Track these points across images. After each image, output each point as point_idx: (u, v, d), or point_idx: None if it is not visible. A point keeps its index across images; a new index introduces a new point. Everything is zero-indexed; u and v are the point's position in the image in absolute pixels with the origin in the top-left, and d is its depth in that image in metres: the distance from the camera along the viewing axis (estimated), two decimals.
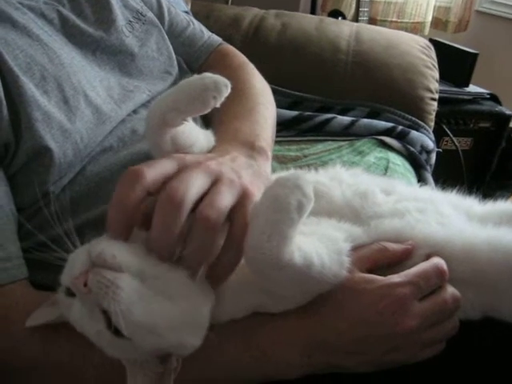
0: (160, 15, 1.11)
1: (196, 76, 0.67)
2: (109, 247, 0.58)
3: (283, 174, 0.61)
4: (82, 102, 0.82)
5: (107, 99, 0.87)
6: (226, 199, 0.61)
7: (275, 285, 0.63)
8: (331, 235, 0.68)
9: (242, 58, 1.20)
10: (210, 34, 1.23)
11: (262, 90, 1.06)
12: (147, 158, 0.83)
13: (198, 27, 1.22)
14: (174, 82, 1.02)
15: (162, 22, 1.11)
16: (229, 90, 0.66)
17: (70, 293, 0.59)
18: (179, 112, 0.66)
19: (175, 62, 1.05)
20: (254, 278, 0.62)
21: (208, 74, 0.66)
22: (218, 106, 0.66)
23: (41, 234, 0.78)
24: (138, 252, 0.59)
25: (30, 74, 0.78)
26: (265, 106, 0.99)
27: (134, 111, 0.90)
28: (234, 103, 0.91)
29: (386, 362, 0.69)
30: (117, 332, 0.56)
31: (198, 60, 1.17)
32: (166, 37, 1.07)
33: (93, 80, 0.87)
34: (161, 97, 0.68)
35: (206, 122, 1.00)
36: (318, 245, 0.64)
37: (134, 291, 0.56)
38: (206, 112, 0.67)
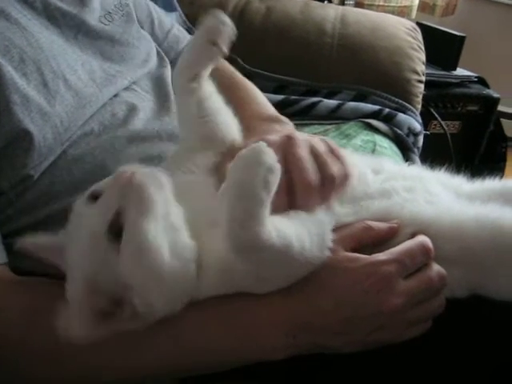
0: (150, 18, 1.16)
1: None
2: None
3: (244, 150, 0.60)
4: (62, 86, 0.81)
5: (89, 83, 0.86)
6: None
7: (257, 267, 0.62)
8: (315, 217, 0.68)
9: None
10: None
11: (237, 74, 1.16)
12: (128, 142, 0.84)
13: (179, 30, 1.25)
14: (150, 72, 1.02)
15: (152, 21, 1.16)
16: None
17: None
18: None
19: (154, 53, 1.05)
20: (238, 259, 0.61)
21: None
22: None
23: (22, 219, 0.77)
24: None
25: (8, 56, 0.77)
26: (250, 85, 1.09)
27: (115, 95, 0.89)
28: (233, 91, 0.99)
29: (371, 342, 0.69)
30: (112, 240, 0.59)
31: None
32: (143, 30, 1.08)
33: (74, 63, 0.86)
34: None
35: None
36: (298, 227, 0.64)
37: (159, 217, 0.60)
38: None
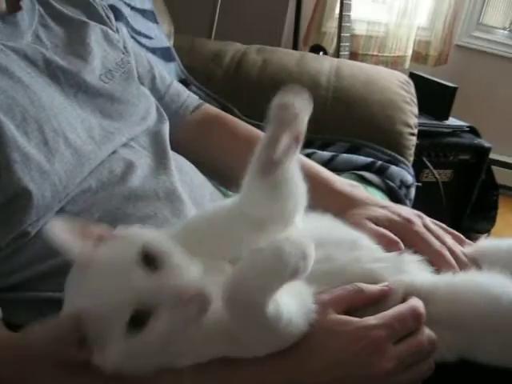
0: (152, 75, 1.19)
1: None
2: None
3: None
4: (62, 144, 0.82)
5: (88, 140, 0.87)
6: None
7: (241, 327, 0.62)
8: (300, 287, 0.68)
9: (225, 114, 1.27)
10: (188, 92, 1.28)
11: None
12: (125, 200, 0.84)
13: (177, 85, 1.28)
14: (148, 128, 1.03)
15: (154, 76, 1.18)
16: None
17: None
18: None
19: (153, 110, 1.07)
20: (224, 322, 0.62)
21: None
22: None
23: (19, 274, 0.78)
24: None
25: (10, 114, 0.78)
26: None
27: (113, 152, 0.91)
28: None
29: None
30: None
31: (180, 117, 1.21)
32: (143, 86, 1.10)
33: (74, 121, 0.87)
34: None
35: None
36: (288, 299, 0.64)
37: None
38: None
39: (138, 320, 0.59)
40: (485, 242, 0.88)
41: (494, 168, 2.68)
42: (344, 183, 1.00)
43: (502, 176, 2.90)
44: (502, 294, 0.72)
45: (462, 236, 0.88)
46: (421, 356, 0.71)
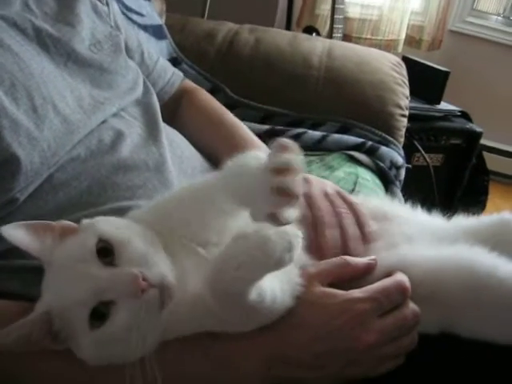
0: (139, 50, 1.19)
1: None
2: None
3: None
4: (51, 112, 0.82)
5: (77, 109, 0.87)
6: None
7: (224, 310, 0.63)
8: None
9: (199, 89, 1.29)
10: (174, 68, 1.29)
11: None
12: (114, 170, 0.84)
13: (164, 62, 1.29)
14: (138, 99, 1.04)
15: (142, 51, 1.18)
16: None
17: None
18: None
19: (140, 82, 1.07)
20: (207, 302, 0.62)
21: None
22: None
23: (5, 242, 0.78)
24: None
25: None
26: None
27: (103, 121, 0.91)
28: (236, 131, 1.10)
29: (346, 376, 0.70)
30: None
31: (166, 93, 1.23)
32: (130, 60, 1.10)
33: (63, 90, 0.87)
34: None
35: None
36: (272, 279, 0.63)
37: None
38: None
39: (101, 312, 0.60)
40: (468, 219, 0.87)
41: (485, 154, 2.69)
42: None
43: (492, 162, 2.90)
44: (482, 268, 0.73)
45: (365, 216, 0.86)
46: (405, 330, 0.71)
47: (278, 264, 0.59)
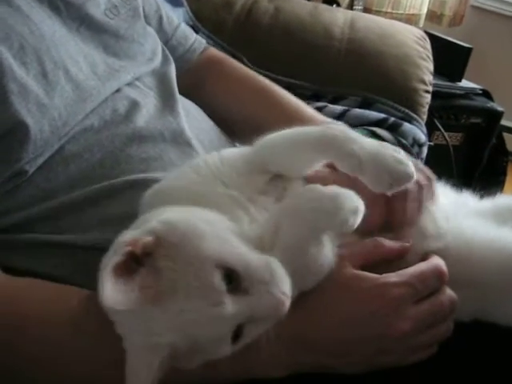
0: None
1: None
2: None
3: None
4: (62, 77, 0.78)
5: (90, 75, 0.82)
6: None
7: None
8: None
9: (228, 57, 1.21)
10: (196, 35, 1.21)
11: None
12: (129, 141, 0.80)
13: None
14: (154, 69, 0.98)
15: (161, 16, 1.11)
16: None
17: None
18: None
19: (159, 51, 1.01)
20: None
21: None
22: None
23: (15, 215, 0.74)
24: None
25: (8, 43, 0.74)
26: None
27: (117, 90, 0.86)
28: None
29: (376, 365, 0.66)
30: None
31: (187, 61, 1.15)
32: (149, 27, 1.04)
33: (76, 55, 0.82)
34: None
35: None
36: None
37: None
38: None
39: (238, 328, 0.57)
40: (501, 198, 0.84)
41: (506, 135, 2.63)
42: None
43: None
44: None
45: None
46: (440, 317, 0.67)
47: (342, 223, 0.60)
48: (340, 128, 0.69)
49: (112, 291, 0.51)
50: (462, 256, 0.70)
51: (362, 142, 0.67)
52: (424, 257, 0.69)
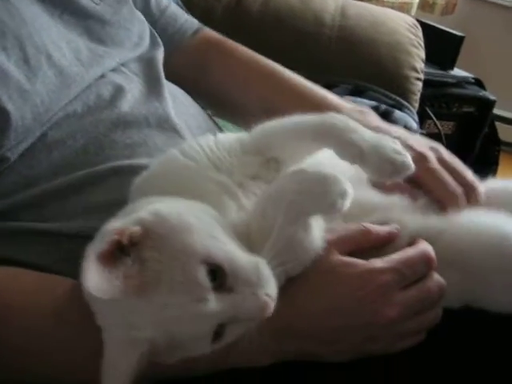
0: None
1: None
2: None
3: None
4: (45, 63, 0.76)
5: (73, 61, 0.81)
6: None
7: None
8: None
9: (226, 39, 1.15)
10: (187, 16, 1.18)
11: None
12: (113, 126, 0.79)
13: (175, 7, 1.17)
14: (143, 54, 0.96)
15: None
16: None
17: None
18: None
19: (147, 35, 0.99)
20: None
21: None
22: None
23: None
24: None
25: None
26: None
27: (101, 76, 0.84)
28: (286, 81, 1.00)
29: (363, 352, 0.65)
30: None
31: (177, 42, 1.11)
32: (137, 10, 1.01)
33: (58, 41, 0.81)
34: None
35: None
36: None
37: None
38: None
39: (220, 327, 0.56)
40: (492, 183, 0.83)
41: (498, 124, 2.62)
42: (352, 110, 0.92)
43: (504, 132, 2.84)
44: (509, 233, 0.68)
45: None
46: (428, 303, 0.66)
47: (330, 206, 0.59)
48: (339, 117, 0.67)
49: (95, 279, 0.50)
50: (449, 241, 0.69)
51: (362, 131, 0.66)
52: (412, 242, 0.68)
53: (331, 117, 0.67)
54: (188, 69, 1.05)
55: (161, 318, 0.54)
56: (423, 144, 0.81)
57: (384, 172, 0.65)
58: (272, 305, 0.56)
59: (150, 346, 0.54)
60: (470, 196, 0.77)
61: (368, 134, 0.66)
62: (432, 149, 0.80)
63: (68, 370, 0.64)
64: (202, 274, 0.54)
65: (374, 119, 0.91)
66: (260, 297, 0.55)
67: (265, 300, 0.55)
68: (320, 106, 0.87)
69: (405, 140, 0.76)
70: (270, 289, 0.56)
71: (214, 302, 0.54)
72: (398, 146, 0.66)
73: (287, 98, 0.96)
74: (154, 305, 0.53)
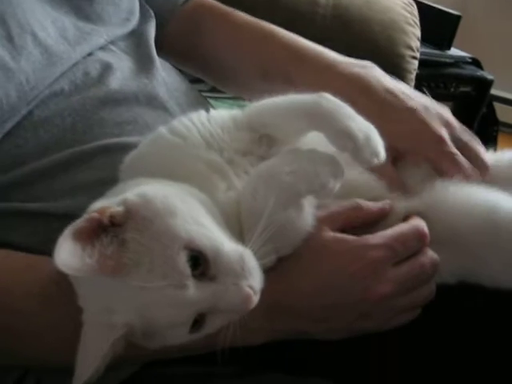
0: None
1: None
2: None
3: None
4: (30, 41, 0.75)
5: (60, 40, 0.79)
6: None
7: None
8: None
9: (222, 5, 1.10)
10: None
11: None
12: (101, 104, 0.77)
13: None
14: (133, 30, 0.93)
15: None
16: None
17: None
18: None
19: (136, 9, 0.96)
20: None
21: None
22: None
23: None
24: None
25: None
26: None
27: (89, 54, 0.82)
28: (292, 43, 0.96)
29: (356, 330, 0.65)
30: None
31: (172, 10, 1.07)
32: None
33: (44, 20, 0.79)
34: None
35: None
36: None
37: None
38: None
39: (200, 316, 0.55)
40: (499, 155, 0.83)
41: (496, 105, 2.62)
42: (351, 65, 0.87)
43: (502, 112, 2.82)
44: (501, 209, 0.68)
45: None
46: (422, 280, 0.66)
47: (321, 186, 0.59)
48: (333, 101, 0.65)
49: (65, 254, 0.49)
50: (442, 215, 0.68)
51: (355, 118, 0.64)
52: (405, 218, 0.67)
53: (324, 99, 0.65)
54: (183, 36, 1.02)
55: (138, 302, 0.53)
56: (438, 123, 0.78)
57: (369, 163, 0.63)
58: (255, 298, 0.54)
59: (127, 330, 0.53)
60: (481, 173, 0.76)
61: (360, 122, 0.64)
62: (446, 125, 0.78)
63: (56, 350, 0.63)
64: (183, 260, 0.53)
65: (380, 73, 0.85)
66: (242, 288, 0.54)
67: (247, 292, 0.54)
68: (317, 66, 0.87)
69: (417, 113, 0.77)
70: (254, 281, 0.55)
71: (193, 289, 0.53)
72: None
73: (282, 59, 0.92)
74: (132, 287, 0.52)
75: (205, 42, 1.01)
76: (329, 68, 0.86)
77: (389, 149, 0.70)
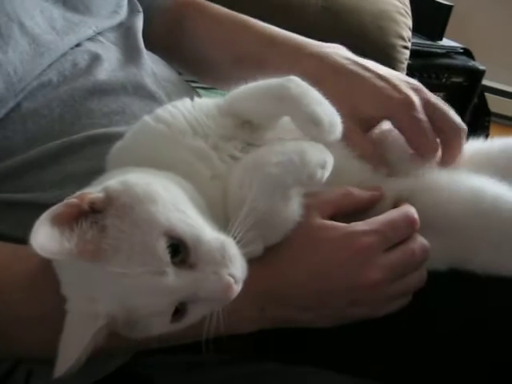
0: None
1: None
2: None
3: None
4: (17, 31, 0.74)
5: (48, 30, 0.79)
6: None
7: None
8: None
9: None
10: None
11: None
12: (89, 95, 0.77)
13: None
14: (121, 22, 0.93)
15: None
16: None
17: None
18: None
19: (124, 3, 0.96)
20: None
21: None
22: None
23: None
24: None
25: None
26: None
27: (78, 45, 0.82)
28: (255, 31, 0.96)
29: (346, 317, 0.65)
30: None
31: (157, 8, 1.07)
32: None
33: (32, 10, 0.78)
34: None
35: None
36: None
37: None
38: None
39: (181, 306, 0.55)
40: (476, 143, 0.83)
41: (488, 95, 2.62)
42: (320, 46, 0.89)
43: (494, 103, 2.82)
44: (489, 194, 0.68)
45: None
46: (413, 266, 0.66)
47: (309, 177, 0.59)
48: (304, 86, 0.65)
49: (42, 237, 0.49)
50: (431, 201, 0.69)
51: (322, 102, 0.64)
52: (395, 204, 0.67)
53: (293, 83, 0.64)
54: (169, 31, 1.02)
55: (119, 289, 0.52)
56: (405, 83, 0.78)
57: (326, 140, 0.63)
58: (236, 287, 0.54)
59: (108, 320, 0.53)
60: (457, 138, 0.76)
61: (326, 108, 0.64)
62: (416, 91, 0.77)
63: (48, 342, 0.63)
64: (162, 247, 0.52)
65: (348, 52, 0.88)
66: (222, 276, 0.53)
67: (227, 280, 0.53)
68: (288, 47, 0.88)
69: (391, 80, 0.76)
70: (236, 269, 0.55)
71: (172, 277, 0.52)
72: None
73: (254, 44, 0.93)
74: (112, 274, 0.52)
75: (185, 39, 1.02)
76: (299, 49, 0.88)
77: (362, 119, 0.72)
